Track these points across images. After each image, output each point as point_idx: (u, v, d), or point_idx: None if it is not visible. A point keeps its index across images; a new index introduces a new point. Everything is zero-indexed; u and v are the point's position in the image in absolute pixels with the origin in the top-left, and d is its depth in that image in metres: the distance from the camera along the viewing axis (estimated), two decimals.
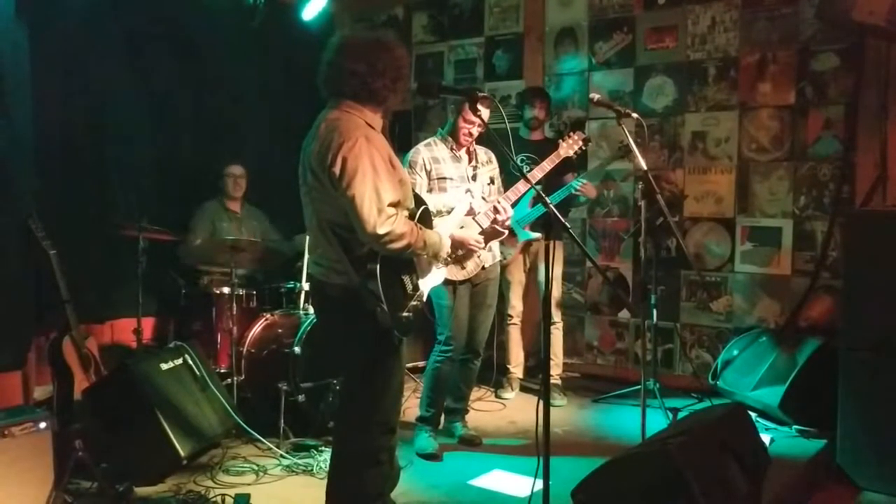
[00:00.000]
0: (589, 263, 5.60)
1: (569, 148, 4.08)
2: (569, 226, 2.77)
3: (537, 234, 4.75)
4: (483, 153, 4.13)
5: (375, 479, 2.95)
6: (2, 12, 4.03)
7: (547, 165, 4.07)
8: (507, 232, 3.82)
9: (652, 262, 4.51)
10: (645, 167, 3.83)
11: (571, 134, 4.13)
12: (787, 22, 4.89)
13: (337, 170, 2.69)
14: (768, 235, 5.01)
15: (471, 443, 4.23)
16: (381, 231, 2.68)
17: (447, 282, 3.85)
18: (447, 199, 3.83)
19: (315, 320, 4.22)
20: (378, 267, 2.77)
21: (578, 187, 4.65)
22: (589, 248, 5.59)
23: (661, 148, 5.33)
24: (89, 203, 4.60)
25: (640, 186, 3.94)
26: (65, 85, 4.47)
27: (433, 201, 3.86)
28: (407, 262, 2.92)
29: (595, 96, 4.06)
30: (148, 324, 4.91)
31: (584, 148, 4.16)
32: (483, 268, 4.01)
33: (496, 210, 3.75)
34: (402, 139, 6.15)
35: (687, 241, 5.20)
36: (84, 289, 4.28)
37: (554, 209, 2.77)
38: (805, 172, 4.88)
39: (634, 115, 3.90)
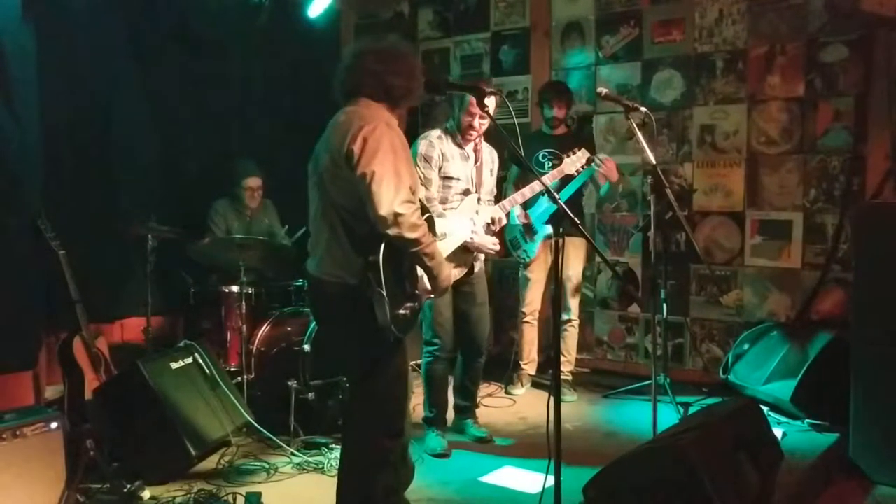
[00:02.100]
0: (598, 258, 5.58)
1: (572, 165, 4.08)
2: (578, 221, 2.74)
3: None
4: (487, 152, 4.11)
5: (385, 480, 2.93)
6: (8, 15, 4.04)
7: (548, 180, 4.05)
8: (498, 248, 3.93)
9: (661, 256, 4.49)
10: (654, 161, 3.82)
11: (576, 150, 4.17)
12: (795, 13, 4.85)
13: (357, 147, 2.65)
14: (778, 229, 4.98)
15: (482, 441, 4.23)
16: (398, 209, 2.60)
17: None
18: (448, 225, 3.82)
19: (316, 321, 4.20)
20: (381, 259, 2.70)
21: (601, 162, 4.53)
22: (597, 243, 5.57)
23: (670, 141, 5.31)
24: (98, 203, 4.60)
25: (648, 180, 3.92)
26: (72, 86, 4.47)
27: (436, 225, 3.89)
28: (409, 269, 2.88)
29: (603, 90, 4.04)
30: (157, 323, 4.92)
31: (587, 167, 4.19)
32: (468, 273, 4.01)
33: (493, 221, 3.84)
34: (408, 135, 6.11)
35: (696, 235, 5.18)
36: (93, 288, 4.28)
37: (563, 205, 2.75)
38: (815, 165, 4.85)
39: (643, 108, 3.89)
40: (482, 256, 4.11)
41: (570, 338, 5.11)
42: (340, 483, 2.97)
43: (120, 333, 4.84)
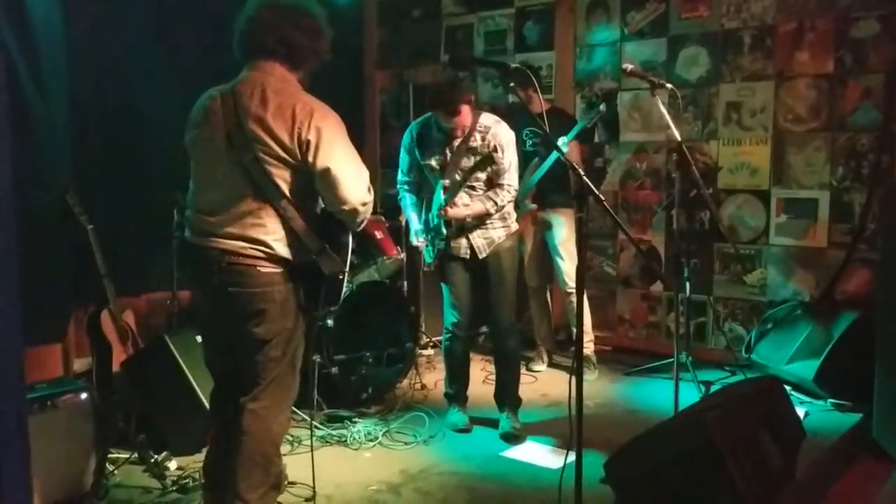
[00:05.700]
0: (622, 236, 5.56)
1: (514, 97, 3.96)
2: (602, 197, 2.72)
3: (534, 206, 4.85)
4: (490, 129, 3.83)
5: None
6: None
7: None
8: (420, 244, 3.98)
9: (685, 234, 4.46)
10: (679, 138, 3.78)
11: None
12: None
13: (313, 137, 2.58)
14: (804, 207, 4.93)
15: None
16: (367, 198, 2.68)
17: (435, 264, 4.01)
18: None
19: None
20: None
21: (566, 151, 4.51)
22: (620, 220, 5.55)
23: (695, 119, 5.26)
24: (125, 178, 4.65)
25: (673, 158, 3.89)
26: (99, 61, 4.50)
27: None
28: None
29: (628, 67, 3.99)
30: (183, 297, 4.97)
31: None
32: (454, 258, 3.91)
33: (444, 210, 3.79)
34: None
35: (721, 214, 5.14)
36: (120, 263, 4.34)
37: (588, 182, 2.72)
38: (843, 143, 4.78)
39: (668, 85, 3.84)
40: (497, 236, 3.91)
41: (573, 310, 5.04)
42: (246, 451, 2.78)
43: (146, 307, 4.90)
